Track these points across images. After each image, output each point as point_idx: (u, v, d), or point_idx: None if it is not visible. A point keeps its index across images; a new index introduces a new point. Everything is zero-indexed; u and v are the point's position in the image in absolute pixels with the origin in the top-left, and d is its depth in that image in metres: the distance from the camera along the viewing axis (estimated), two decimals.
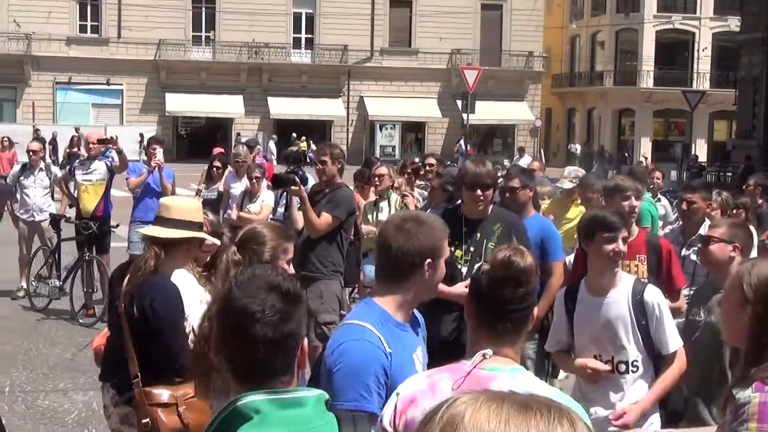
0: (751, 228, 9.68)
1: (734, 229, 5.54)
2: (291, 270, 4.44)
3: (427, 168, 12.04)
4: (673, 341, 5.02)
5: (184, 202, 5.41)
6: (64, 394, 8.98)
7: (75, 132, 38.21)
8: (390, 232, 3.63)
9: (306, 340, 2.49)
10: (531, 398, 1.44)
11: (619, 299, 5.04)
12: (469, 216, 6.24)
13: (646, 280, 5.88)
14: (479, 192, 6.13)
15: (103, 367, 5.33)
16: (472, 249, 6.18)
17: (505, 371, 3.03)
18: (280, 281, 2.50)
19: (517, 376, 3.04)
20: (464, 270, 6.15)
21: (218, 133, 49.31)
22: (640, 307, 4.97)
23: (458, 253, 6.22)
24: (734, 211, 9.41)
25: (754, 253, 7.57)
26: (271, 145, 44.76)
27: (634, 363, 5.01)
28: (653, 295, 5.05)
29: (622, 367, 5.03)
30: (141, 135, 36.92)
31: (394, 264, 3.59)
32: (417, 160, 13.86)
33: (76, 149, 18.64)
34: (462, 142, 50.02)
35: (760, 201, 11.30)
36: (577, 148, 56.14)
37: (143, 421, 4.83)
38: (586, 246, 5.23)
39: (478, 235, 6.23)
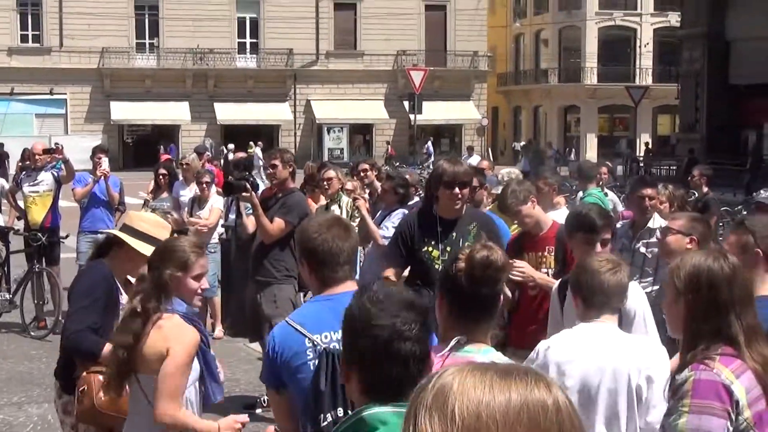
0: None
1: (693, 222, 5.71)
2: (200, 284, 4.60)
3: (362, 174, 12.02)
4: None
5: (154, 219, 5.54)
6: (18, 408, 8.90)
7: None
8: (351, 233, 4.00)
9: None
10: (512, 366, 1.63)
11: None
12: (444, 216, 6.28)
13: (552, 269, 6.01)
14: (457, 190, 6.17)
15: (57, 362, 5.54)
16: (448, 249, 6.21)
17: (478, 353, 3.29)
18: (414, 298, 2.61)
19: (490, 357, 3.30)
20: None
21: (161, 140, 48.82)
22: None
23: (435, 253, 6.27)
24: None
25: None
26: (258, 151, 44.48)
27: None
28: (633, 294, 4.89)
29: None
30: (58, 145, 35.93)
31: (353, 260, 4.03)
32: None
33: (28, 162, 18.39)
34: (430, 143, 50.16)
35: (705, 189, 11.53)
36: (521, 146, 56.15)
37: (80, 388, 4.92)
38: (569, 240, 5.30)
39: (454, 234, 6.27)
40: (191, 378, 4.44)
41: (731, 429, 3.24)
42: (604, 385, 4.05)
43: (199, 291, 4.59)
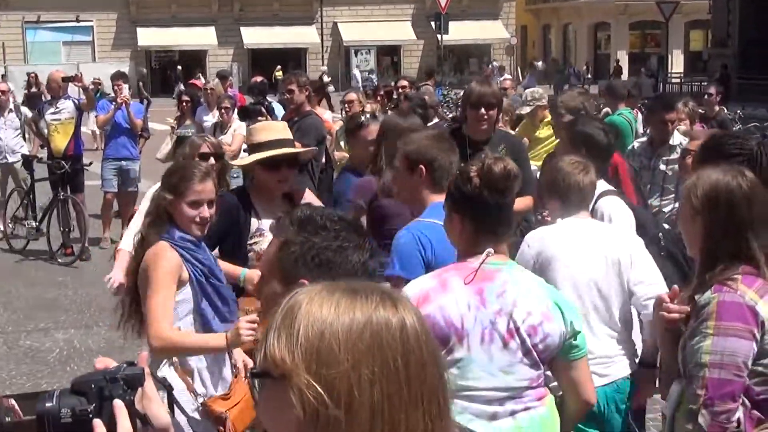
0: None
1: None
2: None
3: (400, 91, 11.99)
4: None
5: (261, 126, 5.45)
6: (45, 334, 9.03)
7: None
8: None
9: None
10: (361, 285, 1.66)
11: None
12: (474, 137, 6.21)
13: None
14: (483, 111, 6.12)
15: None
16: None
17: (505, 265, 3.44)
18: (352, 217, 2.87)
19: (516, 268, 3.50)
20: None
21: (170, 70, 48.52)
22: (593, 214, 4.95)
23: None
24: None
25: None
26: (357, 73, 43.87)
27: None
28: (606, 205, 5.05)
29: None
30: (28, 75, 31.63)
31: None
32: (392, 83, 13.83)
33: (35, 89, 18.35)
34: (495, 62, 49.48)
35: (717, 108, 11.34)
36: (539, 64, 55.11)
37: None
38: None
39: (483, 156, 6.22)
40: (183, 309, 4.32)
41: (756, 349, 3.22)
42: (597, 272, 4.34)
43: (197, 219, 4.32)
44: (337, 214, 2.72)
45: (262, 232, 5.04)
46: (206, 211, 4.33)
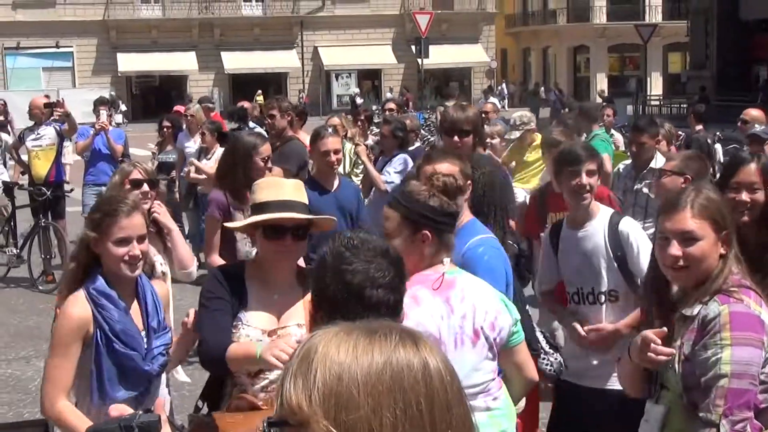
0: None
1: (686, 161, 5.68)
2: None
3: (386, 113, 12.04)
4: None
5: (262, 182, 4.18)
6: (26, 362, 8.96)
7: None
8: None
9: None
10: (379, 324, 1.58)
11: (596, 231, 5.04)
12: None
13: None
14: (456, 138, 5.90)
15: None
16: None
17: (458, 272, 3.72)
18: (389, 246, 2.74)
19: (466, 274, 3.76)
20: None
21: (172, 91, 48.77)
22: (615, 237, 4.97)
23: None
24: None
25: None
26: (389, 95, 43.78)
27: (612, 293, 5.02)
28: (628, 226, 5.06)
29: (602, 298, 5.06)
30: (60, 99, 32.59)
31: None
32: (375, 107, 13.88)
33: (2, 117, 18.24)
34: (504, 85, 49.29)
35: (698, 127, 11.37)
36: (507, 88, 55.16)
37: None
38: (559, 183, 5.25)
39: None
40: (78, 367, 3.83)
41: (764, 358, 3.24)
42: None
43: (127, 258, 3.78)
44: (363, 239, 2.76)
45: (239, 324, 3.83)
46: (136, 249, 3.79)
